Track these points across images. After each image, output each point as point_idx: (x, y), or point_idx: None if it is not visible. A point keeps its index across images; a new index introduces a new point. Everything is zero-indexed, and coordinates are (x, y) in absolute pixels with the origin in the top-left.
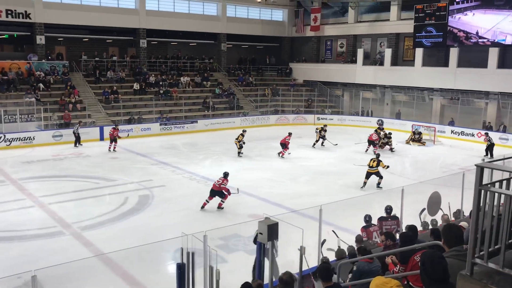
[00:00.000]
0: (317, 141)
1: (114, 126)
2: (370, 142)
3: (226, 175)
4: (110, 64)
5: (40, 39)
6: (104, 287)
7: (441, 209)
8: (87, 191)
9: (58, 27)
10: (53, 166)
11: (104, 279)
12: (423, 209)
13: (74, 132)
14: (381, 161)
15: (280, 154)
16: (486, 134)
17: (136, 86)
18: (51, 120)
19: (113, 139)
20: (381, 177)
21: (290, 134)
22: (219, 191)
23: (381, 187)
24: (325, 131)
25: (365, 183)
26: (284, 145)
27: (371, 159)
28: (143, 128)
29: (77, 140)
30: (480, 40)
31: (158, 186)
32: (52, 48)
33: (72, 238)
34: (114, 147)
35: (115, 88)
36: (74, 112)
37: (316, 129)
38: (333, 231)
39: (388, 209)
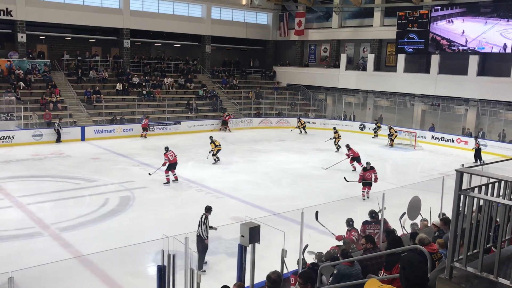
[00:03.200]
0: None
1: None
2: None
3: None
4: (93, 64)
5: (21, 37)
6: None
7: (420, 214)
8: (67, 191)
9: (40, 25)
10: (33, 166)
11: (83, 281)
12: (403, 214)
13: (55, 129)
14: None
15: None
16: (476, 138)
17: (118, 86)
18: (31, 119)
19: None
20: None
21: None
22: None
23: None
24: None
25: None
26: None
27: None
28: (125, 129)
29: (59, 137)
30: (461, 48)
31: (140, 188)
32: (33, 46)
33: (51, 239)
34: (145, 135)
35: (97, 88)
36: (55, 112)
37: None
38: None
39: (373, 214)
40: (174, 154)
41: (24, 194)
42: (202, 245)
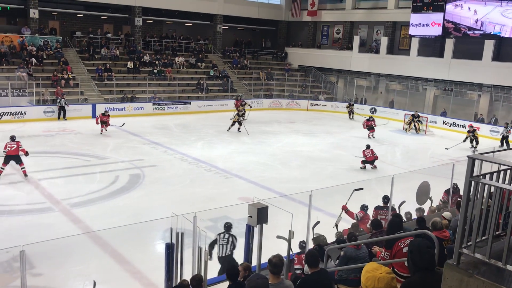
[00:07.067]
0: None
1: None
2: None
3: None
4: (104, 41)
5: (34, 13)
6: (92, 264)
7: (429, 199)
8: (77, 168)
9: (52, 1)
10: (44, 142)
11: (92, 256)
12: (402, 202)
13: (58, 105)
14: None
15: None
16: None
17: (130, 64)
18: (43, 96)
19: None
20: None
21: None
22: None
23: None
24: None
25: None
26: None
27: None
28: (136, 107)
29: (60, 113)
30: (476, 32)
31: (149, 166)
32: (45, 23)
33: (61, 215)
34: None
35: (108, 65)
36: (67, 89)
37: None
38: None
39: (385, 199)
40: (372, 152)
41: (36, 169)
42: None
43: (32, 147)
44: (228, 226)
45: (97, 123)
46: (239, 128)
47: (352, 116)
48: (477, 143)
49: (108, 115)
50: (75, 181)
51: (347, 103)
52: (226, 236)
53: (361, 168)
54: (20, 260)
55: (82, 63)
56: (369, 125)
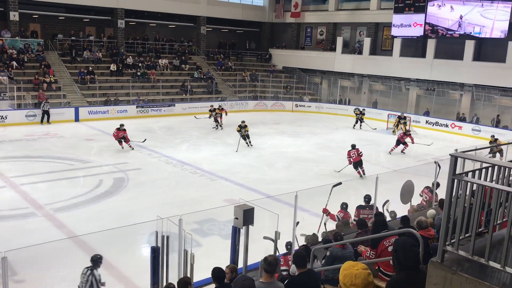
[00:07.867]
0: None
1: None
2: None
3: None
4: (87, 44)
5: (14, 16)
6: (76, 269)
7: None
8: (60, 172)
9: (32, 3)
10: (26, 146)
11: (77, 261)
12: (386, 201)
13: (41, 109)
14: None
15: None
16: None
17: (113, 67)
18: (24, 99)
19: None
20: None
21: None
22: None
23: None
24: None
25: None
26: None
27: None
28: (120, 110)
29: (43, 117)
30: (456, 33)
31: (134, 169)
32: (26, 25)
33: (45, 220)
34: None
35: (91, 68)
36: (49, 92)
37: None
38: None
39: (367, 199)
40: (357, 152)
41: (18, 174)
42: None
43: (14, 151)
44: (95, 260)
45: (116, 139)
46: (217, 126)
47: (360, 126)
48: (501, 155)
49: (124, 129)
50: (58, 186)
51: (356, 108)
52: (88, 273)
53: (360, 177)
54: (2, 266)
55: (64, 66)
56: (404, 140)
